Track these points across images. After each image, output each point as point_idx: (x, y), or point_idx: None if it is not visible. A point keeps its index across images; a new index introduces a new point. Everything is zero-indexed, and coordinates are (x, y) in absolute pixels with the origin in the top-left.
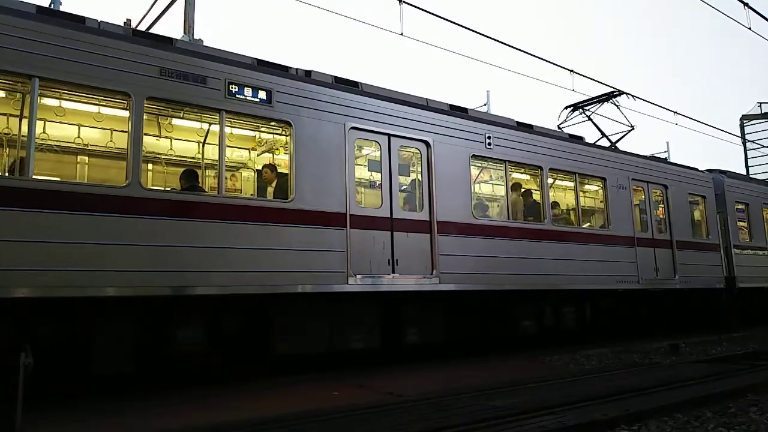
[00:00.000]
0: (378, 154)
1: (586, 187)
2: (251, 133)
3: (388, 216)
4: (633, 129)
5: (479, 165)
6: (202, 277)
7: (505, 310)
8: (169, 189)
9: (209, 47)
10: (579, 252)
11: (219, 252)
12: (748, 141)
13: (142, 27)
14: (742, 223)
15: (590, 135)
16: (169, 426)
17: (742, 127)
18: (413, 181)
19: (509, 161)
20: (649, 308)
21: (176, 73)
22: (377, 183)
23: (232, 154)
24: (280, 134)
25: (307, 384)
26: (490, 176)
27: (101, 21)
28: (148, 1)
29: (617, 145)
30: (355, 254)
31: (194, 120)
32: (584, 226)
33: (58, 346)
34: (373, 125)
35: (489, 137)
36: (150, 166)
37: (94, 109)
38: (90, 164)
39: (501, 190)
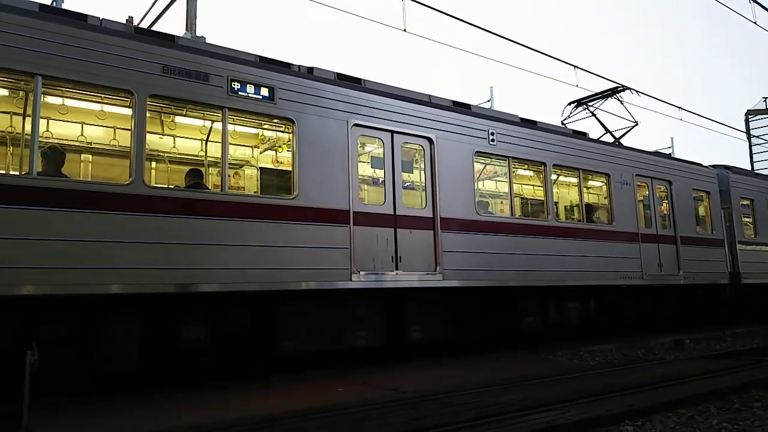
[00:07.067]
0: (381, 150)
1: (590, 183)
2: (254, 131)
3: (392, 213)
4: (637, 124)
5: (483, 161)
6: (205, 274)
7: (508, 307)
8: (172, 186)
9: (211, 44)
10: (582, 248)
11: (222, 249)
12: (753, 136)
13: (144, 24)
14: (746, 219)
15: (594, 131)
16: (175, 423)
17: (747, 122)
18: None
19: (513, 157)
20: (653, 304)
21: (179, 70)
22: (380, 180)
23: (235, 152)
24: (283, 131)
25: (311, 381)
26: (495, 172)
27: (103, 19)
28: None
29: (621, 140)
30: (358, 251)
31: (197, 117)
32: (588, 223)
33: (63, 344)
34: (376, 122)
35: (492, 133)
36: (153, 163)
37: (96, 107)
38: (93, 162)
39: (504, 187)
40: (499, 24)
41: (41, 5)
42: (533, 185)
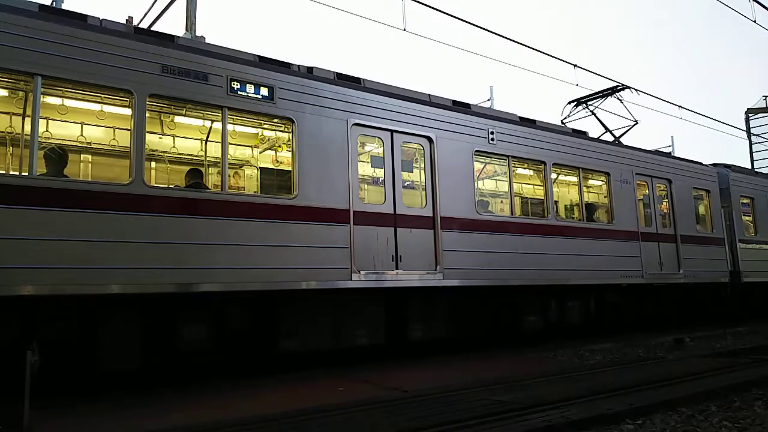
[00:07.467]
0: (381, 150)
1: (590, 182)
2: (254, 131)
3: (392, 212)
4: (637, 123)
5: (483, 160)
6: (204, 273)
7: (509, 306)
8: (172, 186)
9: (211, 44)
10: (583, 247)
11: (222, 249)
12: (754, 135)
13: (144, 24)
14: (747, 218)
15: (594, 130)
16: (175, 423)
17: (747, 120)
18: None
19: (512, 156)
20: (653, 303)
21: (178, 70)
22: (380, 179)
23: (235, 152)
24: (282, 131)
25: (312, 380)
26: (495, 171)
27: (103, 19)
28: None
29: (621, 139)
30: (358, 250)
31: (197, 117)
32: (588, 221)
33: (64, 343)
34: (376, 121)
35: (492, 132)
36: (153, 163)
37: (96, 107)
38: (93, 162)
39: (504, 186)
40: (499, 23)
41: (41, 5)
42: (533, 184)
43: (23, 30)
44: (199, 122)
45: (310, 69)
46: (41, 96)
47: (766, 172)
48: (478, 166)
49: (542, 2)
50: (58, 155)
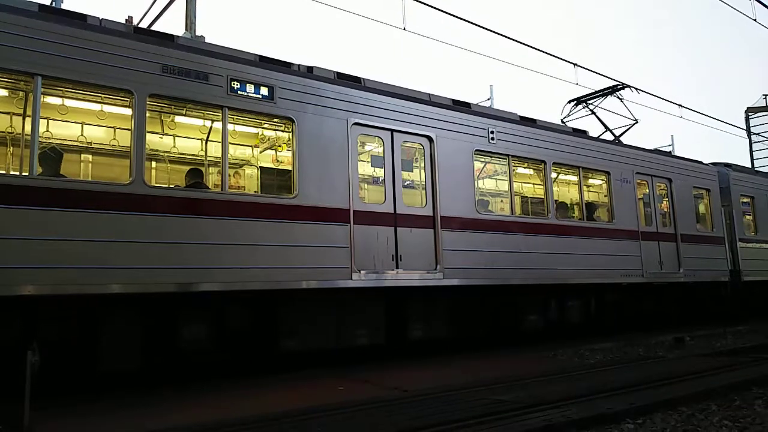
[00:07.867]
0: (381, 149)
1: (590, 181)
2: (254, 130)
3: (392, 212)
4: (637, 122)
5: (483, 160)
6: (205, 273)
7: (509, 305)
8: (172, 186)
9: (211, 44)
10: (583, 246)
11: (222, 248)
12: (754, 133)
13: (144, 24)
14: (747, 217)
15: (594, 129)
16: (175, 422)
17: (747, 119)
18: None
19: (513, 156)
20: (653, 301)
21: (178, 70)
22: (380, 179)
23: (235, 151)
24: (282, 131)
25: (312, 379)
26: (495, 171)
27: (102, 19)
28: None
29: (621, 138)
30: (358, 250)
31: (197, 117)
32: (588, 221)
33: (64, 343)
34: (376, 121)
35: (492, 132)
36: (153, 163)
37: (96, 107)
38: (93, 162)
39: (504, 185)
40: (499, 22)
41: (41, 5)
42: (533, 183)
43: (23, 30)
44: (199, 122)
45: (310, 69)
46: (41, 96)
47: (766, 171)
48: (478, 165)
49: (549, 3)
50: (57, 155)
